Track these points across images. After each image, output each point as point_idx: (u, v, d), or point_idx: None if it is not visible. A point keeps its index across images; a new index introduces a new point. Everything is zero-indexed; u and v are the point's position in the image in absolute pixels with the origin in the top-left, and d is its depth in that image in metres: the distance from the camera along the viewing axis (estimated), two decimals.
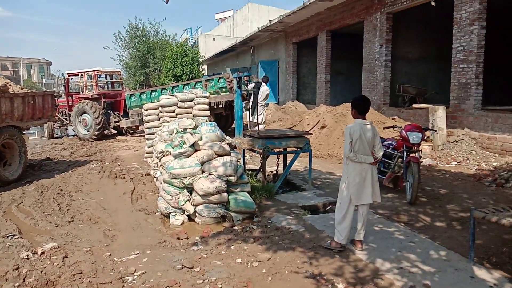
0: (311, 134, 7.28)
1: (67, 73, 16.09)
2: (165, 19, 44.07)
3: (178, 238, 4.71)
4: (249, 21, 36.83)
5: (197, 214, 5.34)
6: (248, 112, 10.12)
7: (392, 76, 13.03)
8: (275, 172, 7.43)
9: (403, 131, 6.26)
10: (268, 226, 4.98)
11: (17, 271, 3.80)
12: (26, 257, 4.16)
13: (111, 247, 4.48)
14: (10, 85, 8.28)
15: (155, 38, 30.36)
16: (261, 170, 6.84)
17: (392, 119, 11.04)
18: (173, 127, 6.99)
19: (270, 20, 18.60)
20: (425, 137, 6.38)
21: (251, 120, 11.36)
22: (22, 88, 8.96)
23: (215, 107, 12.09)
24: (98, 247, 4.45)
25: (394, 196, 6.23)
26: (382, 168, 6.57)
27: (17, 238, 4.78)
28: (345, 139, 4.17)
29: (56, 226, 5.22)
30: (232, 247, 4.35)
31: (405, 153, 6.12)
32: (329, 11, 15.29)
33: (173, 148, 6.14)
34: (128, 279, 3.64)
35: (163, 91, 12.33)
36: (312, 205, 5.91)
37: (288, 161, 7.14)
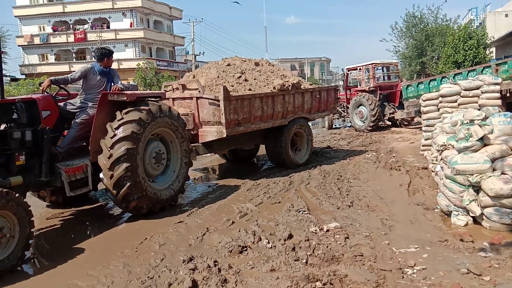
0: None
1: (347, 68, 17.25)
2: (446, 1, 40.64)
3: (461, 240, 4.30)
4: None
5: (484, 217, 4.71)
6: None
7: None
8: None
9: None
10: None
11: (307, 242, 4.38)
12: (314, 231, 4.74)
13: (389, 236, 4.53)
14: (302, 82, 9.56)
15: (434, 24, 28.56)
16: None
17: None
18: (457, 118, 6.38)
19: None
20: None
21: None
22: (310, 84, 10.19)
23: (508, 95, 10.27)
24: (376, 234, 4.59)
25: None
26: None
27: (306, 213, 5.49)
28: None
29: (338, 208, 5.70)
30: None
31: None
32: None
33: (456, 141, 5.61)
34: (408, 271, 3.60)
35: (443, 79, 11.46)
36: None
37: None
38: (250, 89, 8.02)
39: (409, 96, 12.98)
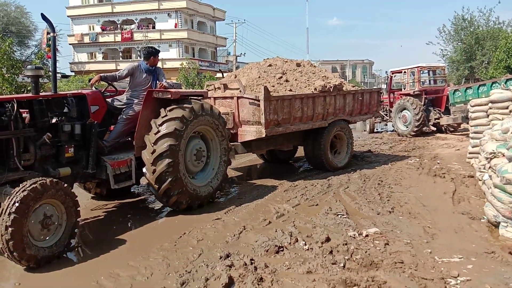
0: None
1: (391, 71, 16.79)
2: (499, 3, 38.74)
3: (510, 253, 4.07)
4: None
5: None
6: None
7: None
8: None
9: None
10: None
11: (345, 246, 4.30)
12: (353, 236, 4.65)
13: (431, 244, 4.37)
14: (344, 83, 9.41)
15: (485, 28, 27.31)
16: None
17: None
18: (509, 125, 6.06)
19: None
20: None
21: None
22: (353, 86, 10.01)
23: None
24: (418, 241, 4.44)
25: None
26: None
27: (345, 217, 5.39)
28: None
29: (378, 214, 5.55)
30: None
31: None
32: None
33: (507, 149, 5.33)
34: (451, 281, 3.46)
35: (493, 85, 10.94)
36: None
37: None
38: (290, 90, 7.99)
39: (456, 102, 12.49)
